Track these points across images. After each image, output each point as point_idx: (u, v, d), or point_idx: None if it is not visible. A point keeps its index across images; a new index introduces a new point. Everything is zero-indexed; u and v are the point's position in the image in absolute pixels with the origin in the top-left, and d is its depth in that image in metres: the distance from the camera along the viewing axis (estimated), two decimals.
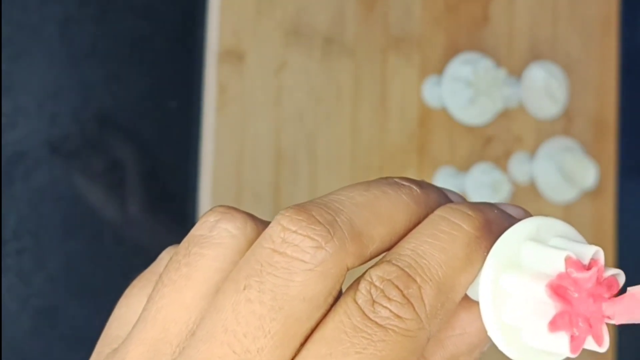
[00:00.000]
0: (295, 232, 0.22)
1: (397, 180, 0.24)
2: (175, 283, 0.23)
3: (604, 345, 0.22)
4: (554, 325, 0.22)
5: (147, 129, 0.60)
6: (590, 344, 0.22)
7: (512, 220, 0.24)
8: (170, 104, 0.61)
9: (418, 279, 0.22)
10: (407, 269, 0.22)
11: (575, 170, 0.67)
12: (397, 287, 0.22)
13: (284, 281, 0.22)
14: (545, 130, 0.69)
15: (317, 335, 0.22)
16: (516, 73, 0.68)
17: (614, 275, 0.23)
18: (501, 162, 0.68)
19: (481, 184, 0.65)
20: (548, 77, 0.68)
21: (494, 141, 0.68)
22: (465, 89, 0.64)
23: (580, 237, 0.24)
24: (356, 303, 0.22)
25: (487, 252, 0.23)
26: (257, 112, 0.61)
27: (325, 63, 0.63)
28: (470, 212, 0.24)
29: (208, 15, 0.61)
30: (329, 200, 0.23)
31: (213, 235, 0.24)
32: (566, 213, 0.70)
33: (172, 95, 0.61)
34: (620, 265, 0.72)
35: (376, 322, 0.22)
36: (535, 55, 0.70)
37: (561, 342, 0.22)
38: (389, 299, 0.22)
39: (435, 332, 0.23)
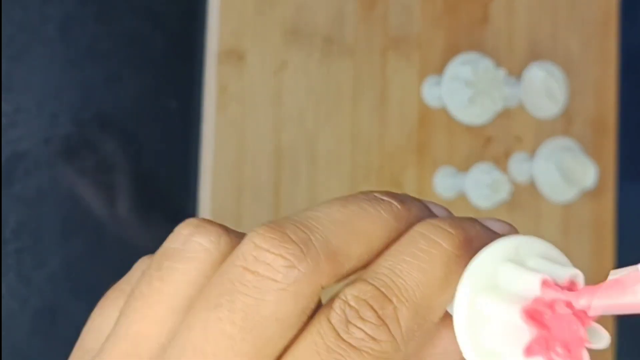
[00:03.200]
0: (267, 250, 0.22)
1: (377, 195, 0.24)
2: (147, 297, 0.23)
3: None
4: (530, 350, 0.22)
5: (147, 129, 0.60)
6: None
7: (495, 238, 0.23)
8: (170, 104, 0.61)
9: (394, 300, 0.22)
10: (383, 289, 0.22)
11: (575, 170, 0.67)
12: (372, 307, 0.21)
13: (256, 301, 0.21)
14: (544, 130, 0.69)
15: (289, 355, 0.22)
16: (516, 73, 0.68)
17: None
18: (501, 162, 0.68)
19: (481, 184, 0.65)
20: (548, 77, 0.68)
21: (494, 141, 0.68)
22: (464, 89, 0.64)
23: (562, 258, 0.23)
24: (330, 323, 0.21)
25: None
26: (257, 112, 0.61)
27: (325, 63, 0.63)
28: (450, 229, 0.23)
29: (208, 15, 0.61)
30: (305, 217, 0.23)
31: (186, 249, 0.23)
32: (565, 213, 0.70)
33: (172, 95, 0.61)
34: (619, 265, 0.72)
35: (350, 344, 0.21)
36: (534, 55, 0.70)
37: None
38: (364, 320, 0.21)
39: (412, 354, 0.22)
